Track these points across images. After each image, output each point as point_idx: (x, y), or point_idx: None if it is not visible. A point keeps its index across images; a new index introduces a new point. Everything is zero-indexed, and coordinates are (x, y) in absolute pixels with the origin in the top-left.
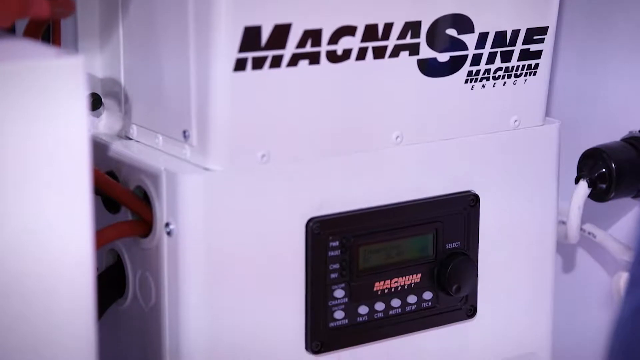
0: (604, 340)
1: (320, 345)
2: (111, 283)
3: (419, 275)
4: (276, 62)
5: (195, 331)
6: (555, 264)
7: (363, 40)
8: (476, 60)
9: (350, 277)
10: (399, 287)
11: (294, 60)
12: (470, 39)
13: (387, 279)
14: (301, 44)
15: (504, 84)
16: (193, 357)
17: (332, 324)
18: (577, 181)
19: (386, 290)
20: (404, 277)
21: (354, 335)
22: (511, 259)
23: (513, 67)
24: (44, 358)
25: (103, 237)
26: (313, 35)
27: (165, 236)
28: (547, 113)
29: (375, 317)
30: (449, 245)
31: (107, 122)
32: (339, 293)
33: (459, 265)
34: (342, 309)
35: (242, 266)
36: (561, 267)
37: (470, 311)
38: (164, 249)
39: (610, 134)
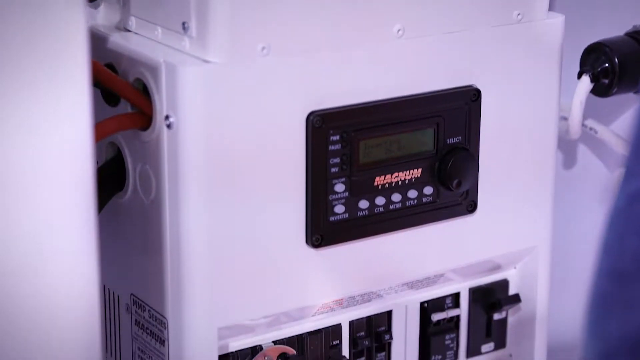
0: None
1: (321, 239)
2: (111, 176)
3: (420, 170)
4: None
5: (196, 224)
6: (556, 159)
7: None
8: None
9: (350, 172)
10: (400, 182)
11: None
12: None
13: (388, 174)
14: None
15: None
16: (193, 250)
17: (332, 218)
18: (579, 76)
19: (386, 185)
20: (404, 172)
21: (354, 229)
22: (512, 154)
23: None
24: (43, 248)
25: (102, 130)
26: None
27: (165, 129)
28: (551, 7)
29: (375, 211)
30: (449, 140)
31: (105, 14)
32: (339, 187)
33: (460, 160)
34: (342, 203)
35: (242, 159)
36: (562, 163)
37: (470, 206)
38: (164, 142)
39: (613, 28)
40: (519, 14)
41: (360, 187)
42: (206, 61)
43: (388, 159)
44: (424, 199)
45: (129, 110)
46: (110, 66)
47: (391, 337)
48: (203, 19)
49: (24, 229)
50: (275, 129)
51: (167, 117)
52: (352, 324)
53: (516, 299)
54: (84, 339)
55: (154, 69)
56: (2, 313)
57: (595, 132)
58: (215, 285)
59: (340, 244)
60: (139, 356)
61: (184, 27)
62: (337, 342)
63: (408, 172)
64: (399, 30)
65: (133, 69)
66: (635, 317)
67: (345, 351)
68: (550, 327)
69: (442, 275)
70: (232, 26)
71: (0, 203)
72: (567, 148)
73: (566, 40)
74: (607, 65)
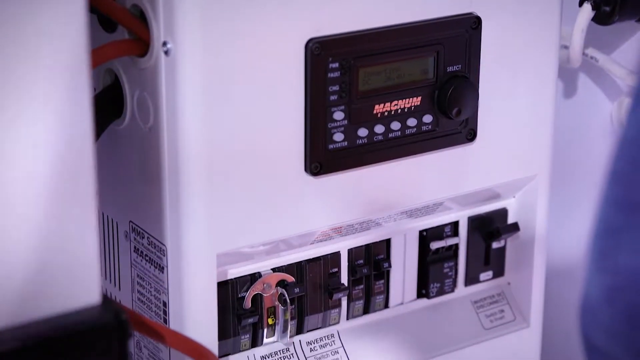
0: (603, 161)
1: (319, 167)
2: (109, 103)
3: (419, 98)
4: None
5: (194, 152)
6: (557, 87)
7: None
8: None
9: (349, 99)
10: (399, 110)
11: None
12: None
13: (387, 102)
14: None
15: None
16: (191, 177)
17: (331, 146)
18: (580, 4)
19: (386, 113)
20: (404, 100)
21: (353, 157)
22: (512, 82)
23: None
24: (40, 174)
25: (99, 56)
26: None
27: (162, 55)
28: None
29: (374, 139)
30: (450, 68)
31: None
32: (338, 115)
33: (460, 88)
34: (341, 131)
35: (241, 86)
36: (562, 91)
37: (470, 135)
38: (161, 69)
39: None
40: None
41: (360, 115)
42: None
43: (387, 87)
44: (424, 127)
45: (126, 36)
46: None
47: (390, 265)
48: None
49: (21, 155)
50: (274, 56)
51: (164, 44)
52: (351, 252)
53: (515, 227)
54: (82, 265)
55: None
56: (1, 240)
57: (596, 60)
58: (214, 212)
59: (339, 172)
60: (137, 283)
61: None
62: (335, 269)
63: (407, 100)
64: None
65: None
66: None
67: (344, 279)
68: (548, 256)
69: (441, 203)
70: None
71: None
72: (567, 76)
73: None
74: None
